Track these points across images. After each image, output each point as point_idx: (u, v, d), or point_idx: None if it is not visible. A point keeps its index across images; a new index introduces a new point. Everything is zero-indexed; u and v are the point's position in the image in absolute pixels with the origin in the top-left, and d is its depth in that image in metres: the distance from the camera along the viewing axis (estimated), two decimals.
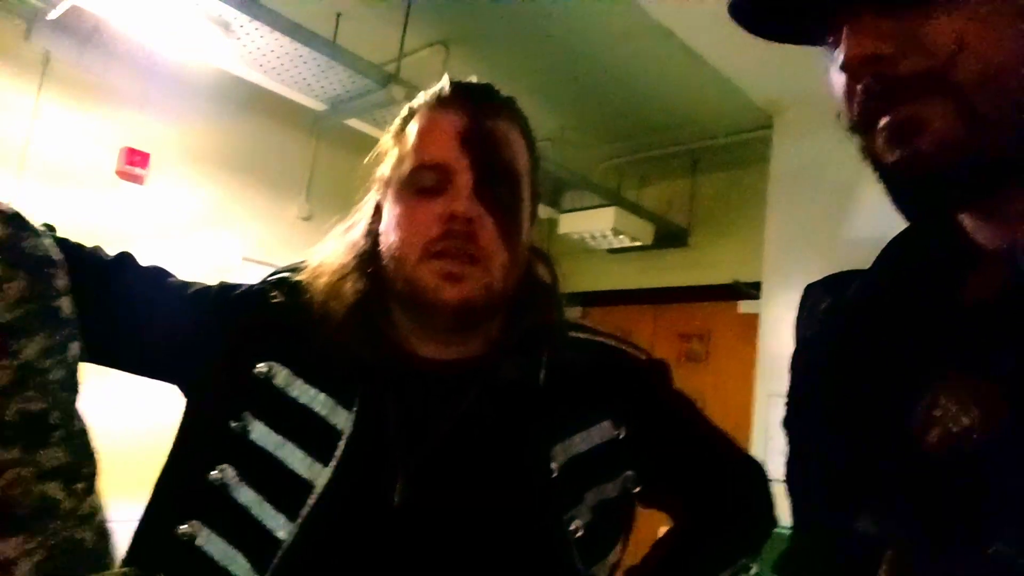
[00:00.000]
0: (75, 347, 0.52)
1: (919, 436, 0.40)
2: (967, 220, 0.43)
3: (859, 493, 0.44)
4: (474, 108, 0.75)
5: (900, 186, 0.41)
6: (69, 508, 0.48)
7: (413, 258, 0.71)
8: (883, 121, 0.41)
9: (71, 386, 0.51)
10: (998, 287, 0.41)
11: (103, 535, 0.52)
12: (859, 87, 0.41)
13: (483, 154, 0.73)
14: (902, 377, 0.43)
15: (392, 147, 0.80)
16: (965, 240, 0.44)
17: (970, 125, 0.38)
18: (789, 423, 0.55)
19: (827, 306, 0.55)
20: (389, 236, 0.75)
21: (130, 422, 2.47)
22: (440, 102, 0.77)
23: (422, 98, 0.80)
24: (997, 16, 0.38)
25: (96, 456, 0.53)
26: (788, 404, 0.56)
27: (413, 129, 0.77)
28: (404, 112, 0.81)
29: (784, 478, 0.54)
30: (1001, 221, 0.41)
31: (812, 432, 0.52)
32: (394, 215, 0.75)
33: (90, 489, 0.51)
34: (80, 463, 0.50)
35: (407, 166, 0.75)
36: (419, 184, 0.73)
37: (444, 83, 0.79)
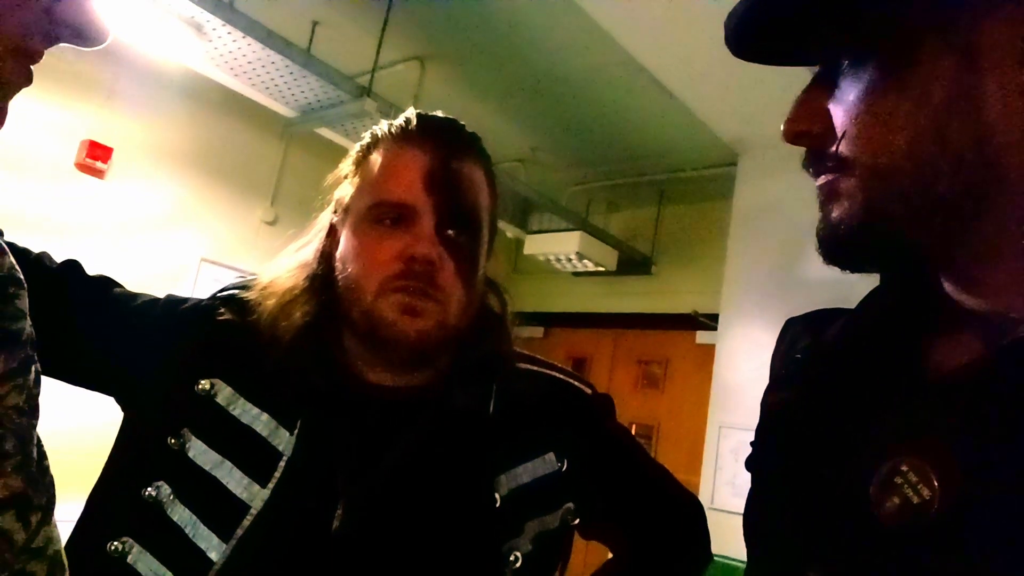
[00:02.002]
0: (34, 371, 0.50)
1: (876, 502, 0.39)
2: (947, 284, 0.44)
3: (810, 548, 0.44)
4: (440, 147, 0.75)
5: (817, 243, 0.45)
6: (22, 540, 0.45)
7: (371, 292, 0.72)
8: (816, 183, 0.45)
9: (29, 412, 0.48)
10: (973, 357, 0.40)
11: (57, 568, 0.50)
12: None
13: (446, 196, 0.73)
14: (867, 438, 0.43)
15: (353, 175, 0.79)
16: (946, 302, 0.44)
17: (867, 211, 0.41)
18: (752, 465, 0.56)
19: (804, 347, 0.55)
20: (346, 266, 0.75)
21: (71, 420, 2.38)
22: (406, 136, 0.77)
23: (386, 127, 0.79)
24: (894, 110, 0.40)
25: (53, 484, 0.51)
26: (754, 444, 0.56)
27: (376, 161, 0.77)
28: (367, 139, 0.81)
29: (743, 518, 0.54)
30: (983, 289, 0.41)
31: (772, 479, 0.52)
32: (352, 246, 0.75)
33: (45, 520, 0.48)
34: (36, 493, 0.47)
35: (369, 200, 0.75)
36: (380, 217, 0.74)
37: (410, 115, 0.78)
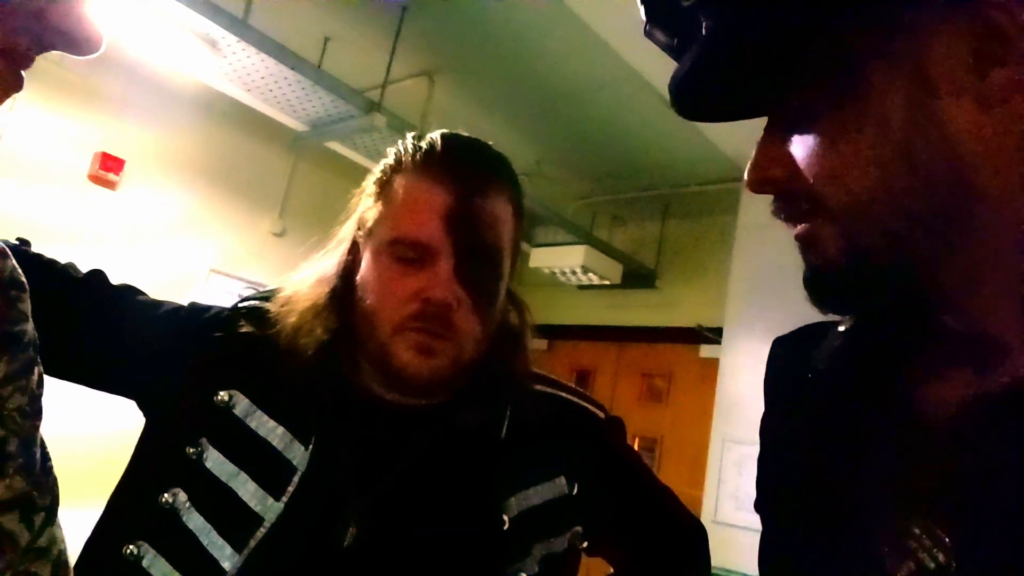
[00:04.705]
0: (37, 373, 0.50)
1: (890, 565, 0.37)
2: (939, 310, 0.42)
3: None
4: (462, 182, 0.73)
5: (807, 293, 0.43)
6: (26, 541, 0.46)
7: (387, 328, 0.72)
8: (793, 232, 0.44)
9: (32, 413, 0.49)
10: (970, 393, 0.39)
11: (60, 569, 0.50)
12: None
13: (467, 237, 0.72)
14: (872, 491, 0.41)
15: (376, 198, 0.78)
16: (938, 330, 0.42)
17: (848, 251, 0.40)
18: (760, 508, 0.54)
19: (795, 377, 0.53)
20: (365, 295, 0.75)
21: (91, 428, 2.40)
22: (428, 166, 0.75)
23: (411, 150, 0.77)
24: (855, 143, 0.38)
25: (56, 486, 0.51)
26: (758, 485, 0.54)
27: (399, 188, 0.75)
28: (391, 159, 0.79)
29: (758, 558, 0.53)
30: (974, 312, 0.40)
31: (779, 525, 0.51)
32: (372, 274, 0.74)
33: (49, 521, 0.49)
34: (39, 493, 0.48)
35: (389, 232, 0.74)
36: (398, 254, 0.73)
37: (435, 140, 0.76)
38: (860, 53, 0.39)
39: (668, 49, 0.48)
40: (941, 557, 0.36)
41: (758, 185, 0.44)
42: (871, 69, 0.38)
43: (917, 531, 0.37)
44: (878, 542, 0.39)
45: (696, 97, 0.45)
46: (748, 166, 0.44)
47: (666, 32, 0.48)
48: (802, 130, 0.41)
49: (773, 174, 0.43)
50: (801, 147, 0.41)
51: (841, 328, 0.51)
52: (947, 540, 0.35)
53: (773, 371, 0.57)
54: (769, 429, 0.55)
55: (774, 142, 0.43)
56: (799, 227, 0.43)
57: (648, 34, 0.49)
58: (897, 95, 0.38)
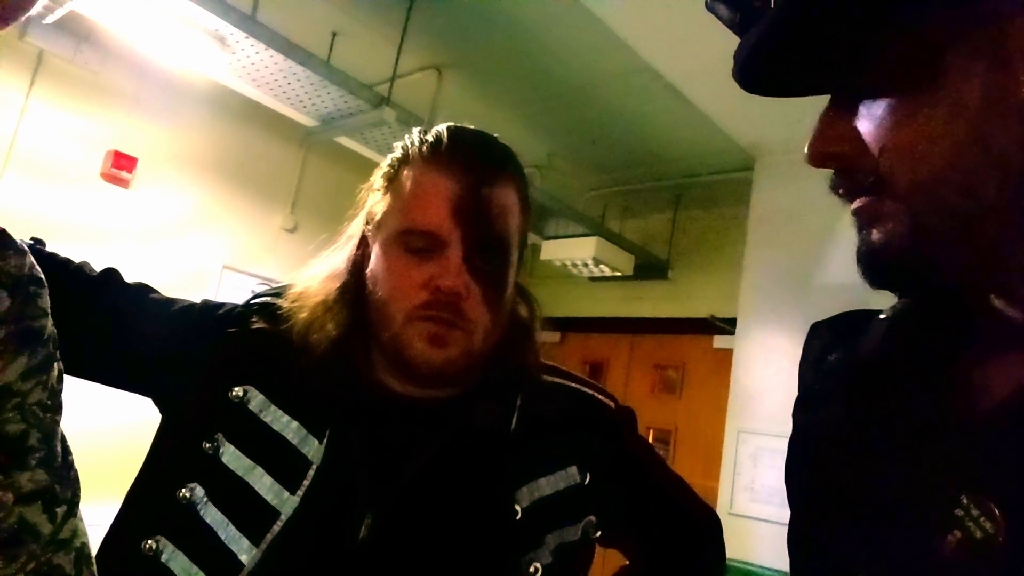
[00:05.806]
0: (57, 367, 0.51)
1: (936, 535, 0.37)
2: (998, 300, 0.41)
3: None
4: (470, 172, 0.74)
5: (862, 268, 0.43)
6: (48, 532, 0.47)
7: (400, 319, 0.73)
8: (851, 206, 0.43)
9: (52, 407, 0.50)
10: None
11: (83, 560, 0.51)
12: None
13: (476, 226, 0.73)
14: (921, 467, 0.41)
15: (384, 190, 0.79)
16: (994, 319, 0.41)
17: (914, 231, 0.39)
18: (789, 482, 0.54)
19: (834, 360, 0.53)
20: (376, 287, 0.75)
21: (107, 424, 2.43)
22: (436, 157, 0.76)
23: (417, 143, 0.78)
24: (928, 122, 0.38)
25: (77, 479, 0.52)
26: (788, 463, 0.54)
27: (407, 180, 0.76)
28: (398, 153, 0.80)
29: (787, 536, 0.53)
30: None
31: (816, 502, 0.51)
32: (382, 266, 0.75)
33: (71, 513, 0.50)
34: (61, 486, 0.49)
35: (398, 224, 0.75)
36: (408, 245, 0.73)
37: (441, 133, 0.77)
38: (938, 37, 0.38)
39: (730, 24, 0.47)
40: (989, 527, 0.35)
41: (820, 159, 0.43)
42: (950, 49, 0.38)
43: (966, 501, 0.36)
44: (923, 515, 0.38)
45: (762, 72, 0.45)
46: (811, 139, 0.44)
47: (729, 6, 0.47)
48: (870, 105, 0.41)
49: (838, 149, 0.42)
50: (868, 122, 0.41)
51: (882, 316, 0.51)
52: (996, 511, 0.35)
53: (809, 356, 0.56)
54: (803, 413, 0.55)
55: (840, 116, 0.43)
56: (858, 202, 0.43)
57: (710, 7, 0.48)
58: (975, 79, 0.37)
